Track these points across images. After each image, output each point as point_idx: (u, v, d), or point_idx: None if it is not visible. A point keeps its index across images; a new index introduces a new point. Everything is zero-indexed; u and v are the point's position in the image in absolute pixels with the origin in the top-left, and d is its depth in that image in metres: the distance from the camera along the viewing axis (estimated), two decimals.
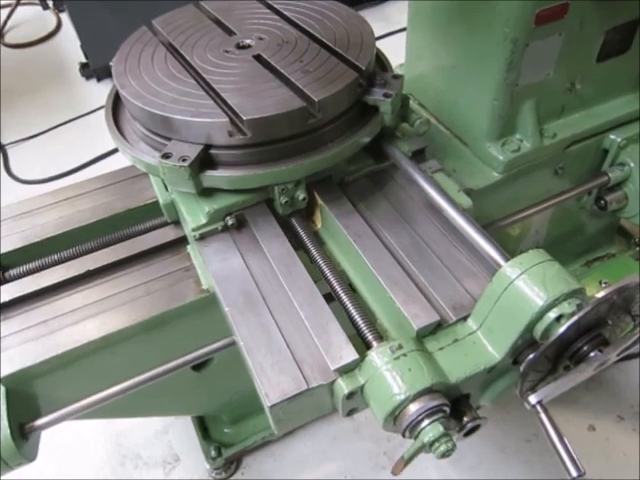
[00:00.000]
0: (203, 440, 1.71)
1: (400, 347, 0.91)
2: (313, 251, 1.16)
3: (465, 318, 1.00)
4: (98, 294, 1.26)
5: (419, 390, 0.86)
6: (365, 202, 1.25)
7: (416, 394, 0.86)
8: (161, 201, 1.29)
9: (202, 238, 1.19)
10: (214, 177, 1.12)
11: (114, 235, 1.38)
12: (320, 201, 1.23)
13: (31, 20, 4.57)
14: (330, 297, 1.10)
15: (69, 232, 1.39)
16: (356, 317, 1.02)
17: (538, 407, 0.84)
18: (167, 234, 1.36)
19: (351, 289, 1.11)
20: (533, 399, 0.85)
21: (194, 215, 1.20)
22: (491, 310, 0.94)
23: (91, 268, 1.29)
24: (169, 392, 1.50)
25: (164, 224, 1.38)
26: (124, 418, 1.68)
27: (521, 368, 0.94)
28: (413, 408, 0.86)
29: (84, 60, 3.73)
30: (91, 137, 3.13)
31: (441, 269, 1.09)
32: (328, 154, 1.15)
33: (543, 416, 0.83)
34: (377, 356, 0.91)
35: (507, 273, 0.92)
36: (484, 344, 0.95)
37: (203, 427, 1.74)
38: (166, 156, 1.11)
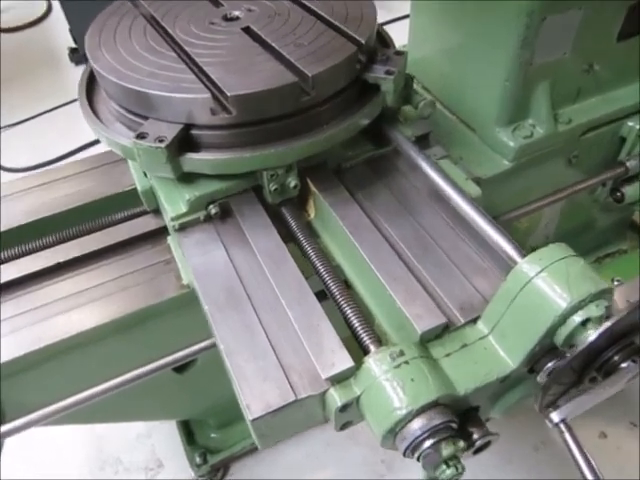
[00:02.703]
0: (188, 445, 1.60)
1: (402, 353, 0.80)
2: (305, 244, 1.05)
3: (475, 320, 0.88)
4: (68, 289, 1.14)
5: (423, 404, 0.75)
6: (363, 191, 1.13)
7: (419, 409, 0.75)
8: (139, 188, 1.18)
9: (182, 228, 1.07)
10: (195, 160, 1.01)
11: (90, 224, 1.26)
12: (314, 189, 1.11)
13: (21, 4, 4.43)
14: (323, 295, 0.99)
15: (39, 221, 1.27)
16: (352, 318, 0.91)
17: (562, 426, 0.73)
18: (147, 223, 1.24)
19: (347, 286, 1.00)
20: (556, 417, 0.74)
21: (173, 203, 1.08)
22: (505, 312, 0.83)
23: (61, 260, 1.17)
24: (149, 396, 1.39)
25: (144, 213, 1.26)
26: (101, 424, 1.57)
27: (539, 378, 0.83)
28: (416, 425, 0.75)
29: (74, 45, 3.60)
30: (80, 124, 2.99)
31: (447, 265, 0.97)
32: (323, 136, 1.03)
33: (567, 436, 0.72)
34: (375, 363, 0.80)
35: (524, 270, 0.80)
36: (497, 350, 0.84)
37: (188, 431, 1.63)
38: (141, 136, 0.99)
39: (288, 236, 1.10)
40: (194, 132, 1.01)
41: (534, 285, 0.79)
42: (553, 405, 0.75)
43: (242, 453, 1.65)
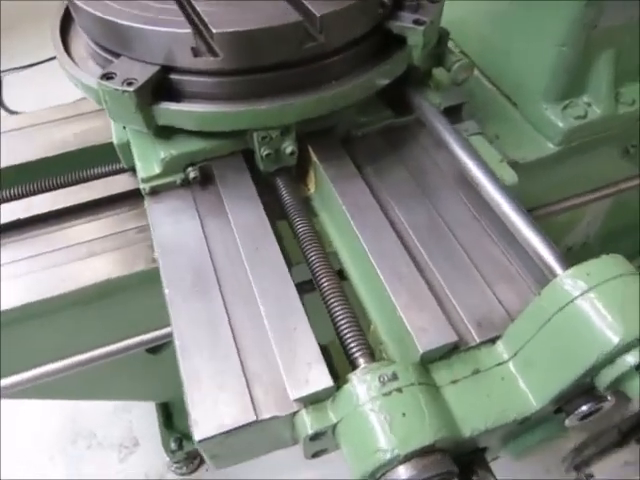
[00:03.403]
0: (164, 428, 1.47)
1: (394, 377, 0.63)
2: (298, 222, 0.87)
3: (493, 340, 0.70)
4: (27, 250, 0.99)
5: (415, 449, 0.58)
6: (374, 165, 0.94)
7: (409, 454, 0.58)
8: (115, 140, 1.00)
9: (154, 193, 0.91)
10: (171, 112, 0.83)
11: (64, 177, 1.10)
12: (314, 158, 0.93)
13: None
14: (312, 285, 0.82)
15: (9, 169, 1.12)
16: (341, 319, 0.74)
17: None
18: (126, 182, 1.07)
19: (339, 278, 0.83)
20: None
21: (146, 162, 0.91)
22: (535, 335, 0.64)
23: (22, 217, 1.02)
24: (120, 375, 1.26)
25: (123, 170, 1.10)
26: (68, 399, 1.45)
27: (568, 422, 0.65)
28: (403, 474, 0.58)
29: None
30: None
31: (466, 265, 0.79)
32: (330, 94, 0.84)
33: None
34: (360, 386, 0.63)
35: (566, 287, 0.61)
36: (517, 382, 0.66)
37: (167, 414, 1.50)
38: (107, 76, 0.81)
39: (281, 212, 0.93)
40: (173, 77, 0.83)
41: (577, 308, 0.60)
42: (585, 465, 0.57)
43: None
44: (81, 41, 1.00)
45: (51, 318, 0.97)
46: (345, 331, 0.73)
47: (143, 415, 1.62)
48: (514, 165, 1.07)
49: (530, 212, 0.80)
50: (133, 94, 0.79)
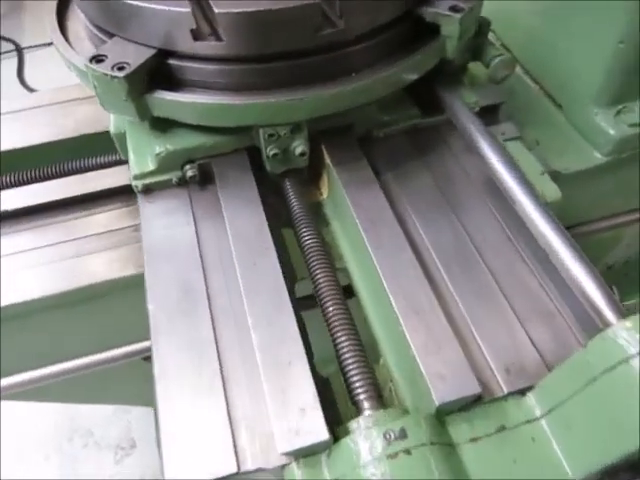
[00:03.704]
0: None
1: (403, 434, 0.52)
2: (305, 234, 0.77)
3: (524, 392, 0.59)
4: (10, 246, 0.91)
5: None
6: (395, 171, 0.83)
7: None
8: (112, 129, 0.91)
9: (148, 191, 0.81)
10: (167, 102, 0.73)
11: (56, 167, 1.02)
12: (328, 160, 0.82)
13: None
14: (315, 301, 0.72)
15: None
16: (345, 351, 0.63)
17: None
18: (122, 176, 0.99)
19: (347, 294, 0.73)
20: None
21: (140, 156, 0.82)
22: (576, 394, 0.53)
23: (9, 209, 0.94)
24: (117, 380, 1.18)
25: (122, 162, 1.01)
26: (63, 403, 1.38)
27: None
28: None
29: None
30: None
31: (495, 296, 0.68)
32: (348, 89, 0.73)
33: None
34: (362, 442, 0.53)
35: (620, 341, 0.50)
36: (551, 446, 0.55)
37: None
38: (97, 59, 0.72)
39: (288, 218, 0.83)
40: (172, 62, 0.74)
41: (633, 369, 0.48)
42: None
43: None
44: (80, 19, 0.91)
45: (33, 320, 0.89)
46: (350, 367, 0.63)
47: (142, 416, 1.55)
48: (555, 176, 0.95)
49: (569, 229, 0.69)
50: (123, 80, 0.69)
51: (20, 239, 0.93)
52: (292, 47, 0.71)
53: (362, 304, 0.74)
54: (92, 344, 0.95)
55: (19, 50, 2.81)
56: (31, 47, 2.87)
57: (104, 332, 0.96)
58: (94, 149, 1.05)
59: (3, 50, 2.89)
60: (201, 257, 0.72)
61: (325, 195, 0.88)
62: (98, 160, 1.04)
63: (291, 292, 0.67)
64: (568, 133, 1.04)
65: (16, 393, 0.97)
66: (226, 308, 0.66)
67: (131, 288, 0.87)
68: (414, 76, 0.79)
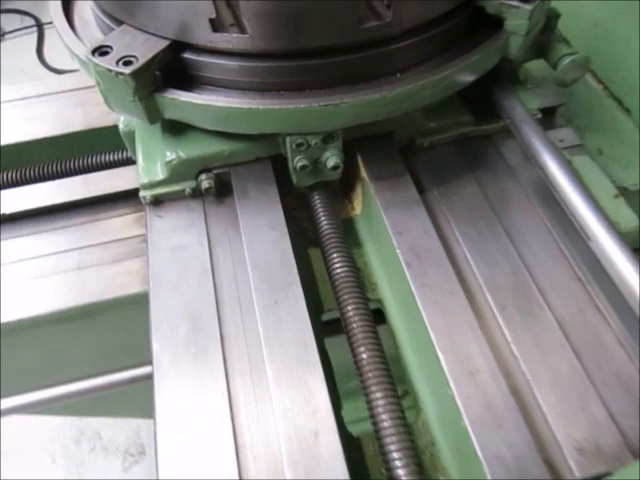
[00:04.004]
0: None
1: None
2: (335, 260, 0.66)
3: (599, 478, 0.48)
4: (8, 254, 0.83)
5: None
6: (442, 187, 0.72)
7: None
8: (121, 126, 0.81)
9: (156, 203, 0.71)
10: (180, 104, 0.62)
11: (59, 165, 0.93)
12: (364, 173, 0.71)
13: None
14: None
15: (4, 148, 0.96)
16: (381, 411, 0.53)
17: None
18: (131, 177, 0.89)
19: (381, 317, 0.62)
20: None
21: (150, 161, 0.72)
22: None
23: (8, 212, 0.85)
24: (121, 397, 1.10)
25: (131, 161, 0.91)
26: (68, 415, 1.32)
27: None
28: None
29: None
30: None
31: (563, 351, 0.56)
32: (394, 93, 0.62)
33: None
34: None
35: None
36: None
37: None
38: (101, 51, 0.62)
39: (314, 236, 0.72)
40: (187, 57, 0.63)
41: None
42: None
43: None
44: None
45: (28, 336, 0.81)
46: (385, 430, 0.52)
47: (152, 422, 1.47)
48: (621, 192, 0.82)
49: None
50: (129, 77, 0.59)
51: (19, 246, 0.84)
52: (329, 42, 0.60)
53: (399, 347, 0.63)
54: (93, 363, 0.87)
55: (39, 26, 2.72)
56: (51, 23, 2.76)
57: (107, 349, 0.87)
58: (105, 144, 0.96)
59: (23, 25, 2.81)
60: (215, 288, 0.62)
61: (358, 211, 0.77)
62: (108, 157, 0.94)
63: (319, 340, 0.56)
64: (636, 141, 0.91)
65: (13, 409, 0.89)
66: (242, 354, 0.56)
67: (138, 304, 0.79)
68: (470, 79, 0.67)
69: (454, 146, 0.76)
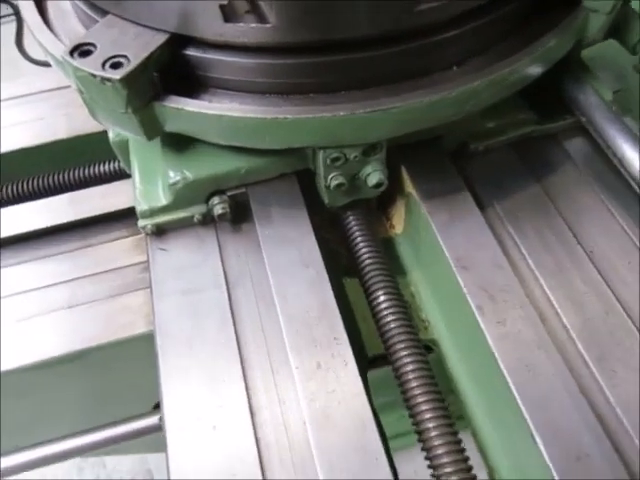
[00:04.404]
0: None
1: None
2: (379, 294, 0.54)
3: None
4: None
5: None
6: (505, 202, 0.59)
7: None
8: (111, 135, 0.68)
9: (159, 233, 0.59)
10: (185, 114, 0.49)
11: (41, 180, 0.81)
12: (410, 188, 0.59)
13: None
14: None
15: None
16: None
17: None
18: (127, 193, 0.76)
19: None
20: None
21: (149, 184, 0.59)
22: None
23: None
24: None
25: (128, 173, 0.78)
26: None
27: None
28: None
29: None
30: None
31: None
32: (457, 92, 0.49)
33: None
34: None
35: None
36: None
37: None
38: (81, 51, 0.48)
39: (348, 265, 0.60)
40: (192, 54, 0.50)
41: None
42: None
43: None
44: None
45: (10, 389, 0.69)
46: None
47: None
48: None
49: None
50: (120, 85, 0.46)
51: None
52: (376, 30, 0.47)
53: (467, 416, 0.51)
54: (88, 413, 0.75)
55: (18, 14, 2.54)
56: None
57: (104, 397, 0.76)
58: (95, 153, 0.83)
59: (3, 14, 2.63)
60: (238, 344, 0.50)
61: (399, 231, 0.64)
62: (99, 169, 0.82)
63: (375, 414, 0.45)
64: None
65: None
66: (281, 444, 0.44)
67: (140, 347, 0.67)
68: (541, 70, 0.54)
69: (513, 149, 0.63)
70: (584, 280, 0.53)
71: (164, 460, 0.60)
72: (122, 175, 0.79)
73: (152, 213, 0.57)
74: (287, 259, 0.53)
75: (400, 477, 0.44)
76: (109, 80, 0.46)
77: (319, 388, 0.45)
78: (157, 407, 0.82)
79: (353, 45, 0.48)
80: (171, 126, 0.51)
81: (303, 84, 0.49)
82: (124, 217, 0.75)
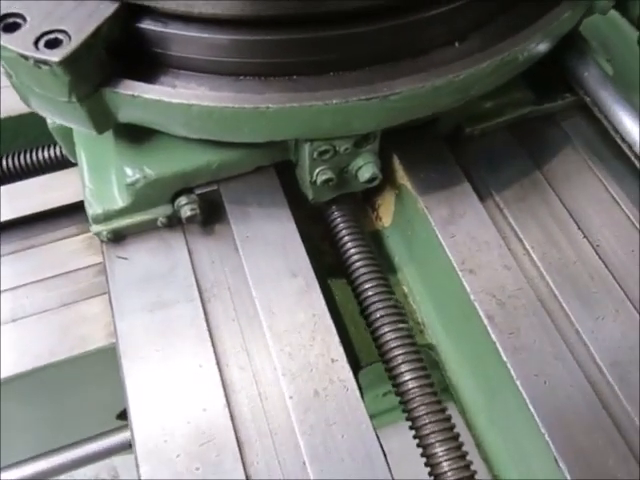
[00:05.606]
0: None
1: None
2: (372, 299, 0.49)
3: None
4: None
5: None
6: (505, 191, 0.54)
7: None
8: (49, 121, 0.58)
9: (117, 239, 0.50)
10: (146, 102, 0.41)
11: None
12: (404, 180, 0.52)
13: None
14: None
15: None
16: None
17: None
18: (74, 183, 0.66)
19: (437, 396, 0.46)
20: None
21: (102, 183, 0.50)
22: None
23: None
24: None
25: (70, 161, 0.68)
26: None
27: None
28: None
29: None
30: None
31: None
32: (465, 74, 0.42)
33: None
34: None
35: None
36: None
37: None
38: (7, 23, 0.39)
39: (334, 263, 0.54)
40: (149, 27, 0.41)
41: None
42: None
43: None
44: None
45: None
46: None
47: None
48: None
49: None
50: (60, 69, 0.37)
51: None
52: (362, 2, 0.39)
53: (472, 429, 0.47)
54: (47, 434, 0.68)
55: None
56: None
57: (63, 416, 0.68)
58: (34, 136, 0.73)
59: None
60: (219, 368, 0.43)
61: (387, 223, 0.59)
62: (39, 155, 0.71)
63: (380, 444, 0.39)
64: None
65: None
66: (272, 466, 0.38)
67: (101, 361, 0.59)
68: (551, 45, 0.48)
69: (510, 132, 0.58)
70: (591, 275, 0.49)
71: (129, 459, 0.54)
72: (66, 164, 0.69)
73: (107, 217, 0.49)
74: (271, 266, 0.47)
75: None
76: (45, 63, 0.37)
77: (318, 421, 0.39)
78: (121, 416, 0.76)
79: (342, 18, 0.40)
80: (126, 116, 0.43)
81: (285, 64, 0.42)
82: (71, 212, 0.66)
